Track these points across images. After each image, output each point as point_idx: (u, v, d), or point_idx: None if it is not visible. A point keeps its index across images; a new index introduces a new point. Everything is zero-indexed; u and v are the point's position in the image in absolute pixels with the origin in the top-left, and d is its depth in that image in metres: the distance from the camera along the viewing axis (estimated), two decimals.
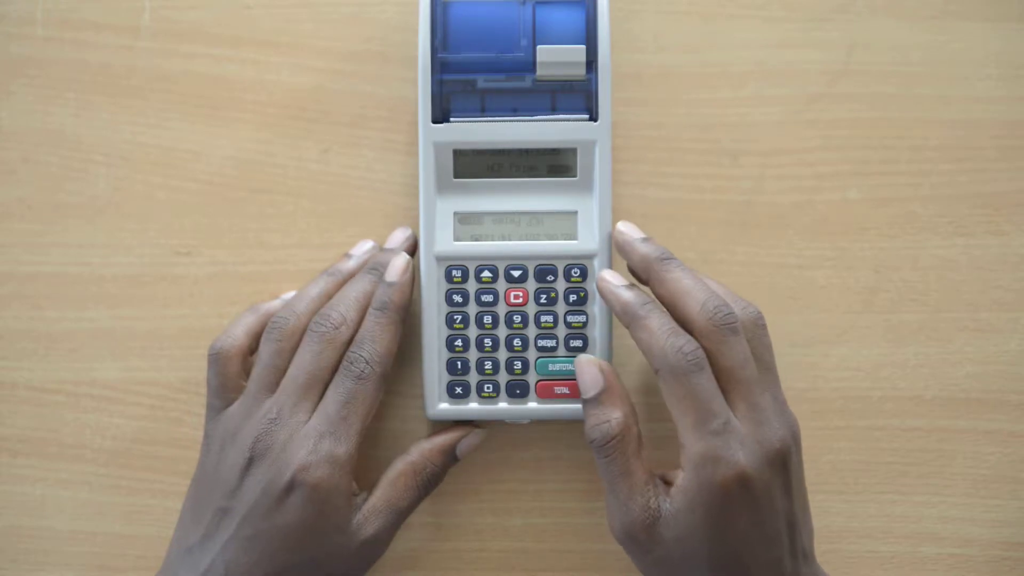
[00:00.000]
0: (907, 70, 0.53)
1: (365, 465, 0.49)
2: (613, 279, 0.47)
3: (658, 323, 0.45)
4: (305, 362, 0.47)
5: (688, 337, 0.45)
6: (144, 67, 0.53)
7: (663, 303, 0.47)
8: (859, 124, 0.53)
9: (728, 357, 0.45)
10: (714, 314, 0.45)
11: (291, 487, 0.45)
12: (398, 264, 0.49)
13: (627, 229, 0.48)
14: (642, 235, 0.48)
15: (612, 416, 0.45)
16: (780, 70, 0.53)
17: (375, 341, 0.48)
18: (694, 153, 0.53)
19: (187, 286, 0.53)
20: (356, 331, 0.48)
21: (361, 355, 0.47)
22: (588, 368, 0.47)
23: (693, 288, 0.46)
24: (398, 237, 0.51)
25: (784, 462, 0.45)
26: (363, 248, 0.52)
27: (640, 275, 0.48)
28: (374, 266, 0.50)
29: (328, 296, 0.50)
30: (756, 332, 0.46)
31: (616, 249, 0.48)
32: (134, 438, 0.53)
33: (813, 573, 0.46)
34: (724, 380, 0.45)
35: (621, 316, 0.46)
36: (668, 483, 0.45)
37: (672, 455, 0.47)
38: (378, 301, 0.48)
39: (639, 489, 0.45)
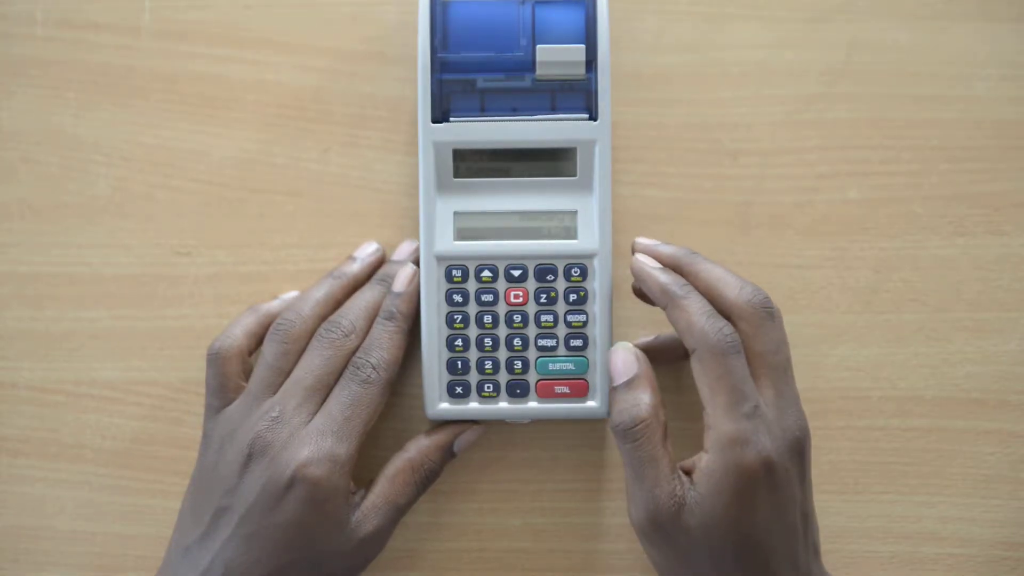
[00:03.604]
0: (907, 70, 0.53)
1: (364, 464, 0.49)
2: (648, 261, 0.48)
3: (698, 304, 0.45)
4: (314, 366, 0.47)
5: (726, 321, 0.45)
6: (144, 67, 0.53)
7: None
8: (859, 124, 0.53)
9: (763, 341, 0.45)
10: (752, 297, 0.45)
11: (291, 484, 0.45)
12: (405, 275, 0.50)
13: (646, 240, 0.49)
14: (659, 242, 0.49)
15: (642, 400, 0.45)
16: (780, 70, 0.53)
17: (383, 348, 0.48)
18: (694, 153, 0.53)
19: (187, 286, 0.53)
20: (363, 341, 0.49)
21: (369, 360, 0.48)
22: (623, 354, 0.47)
23: (726, 275, 0.46)
24: (405, 249, 0.52)
25: (801, 452, 0.45)
26: (367, 251, 0.52)
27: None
28: (383, 277, 0.50)
29: (333, 299, 0.50)
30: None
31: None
32: (134, 438, 0.53)
33: (821, 571, 0.47)
34: (757, 364, 0.45)
35: (659, 296, 0.46)
36: (688, 472, 0.45)
37: (686, 451, 0.47)
38: (386, 311, 0.49)
39: (666, 476, 0.44)
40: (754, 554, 0.44)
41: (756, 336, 0.45)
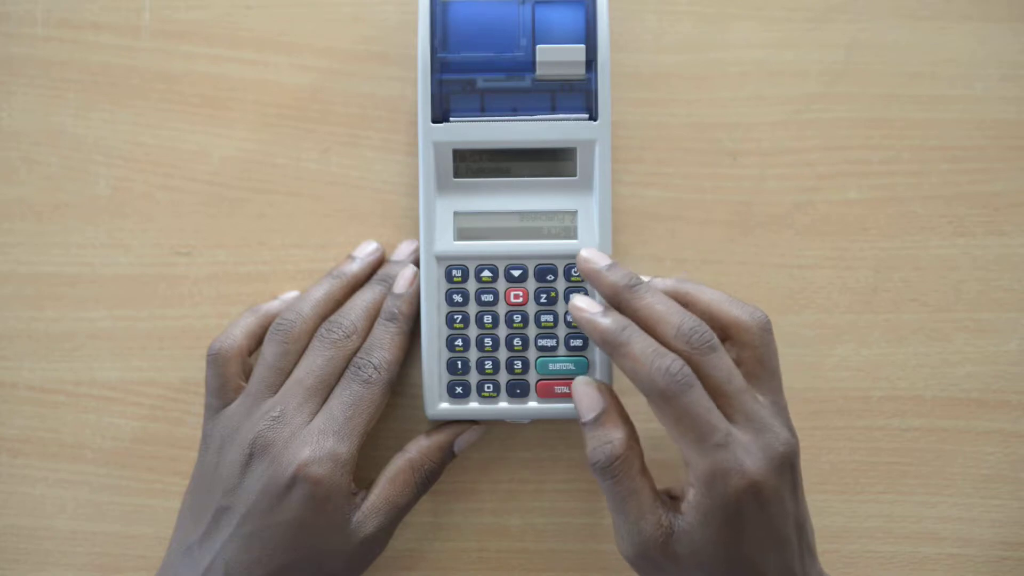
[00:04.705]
0: (907, 70, 0.53)
1: (365, 465, 0.49)
2: (588, 307, 0.46)
3: (640, 347, 0.44)
4: (316, 366, 0.47)
5: (672, 356, 0.43)
6: (144, 67, 0.53)
7: None
8: (859, 124, 0.53)
9: (712, 376, 0.44)
10: (690, 337, 0.44)
11: (292, 483, 0.45)
12: (406, 276, 0.50)
13: (591, 256, 0.47)
14: (607, 262, 0.47)
15: (614, 436, 0.45)
16: (780, 70, 0.53)
17: (384, 348, 0.48)
18: (694, 153, 0.53)
19: (187, 286, 0.53)
20: (364, 342, 0.49)
21: (370, 361, 0.48)
22: (585, 390, 0.46)
23: (666, 313, 0.45)
24: (405, 249, 0.52)
25: (790, 466, 0.45)
26: (366, 250, 0.52)
27: (611, 303, 0.46)
28: (383, 278, 0.50)
29: (333, 299, 0.50)
30: (763, 338, 0.46)
31: (584, 276, 0.47)
32: (134, 438, 0.53)
33: (818, 571, 0.47)
34: (715, 396, 0.44)
35: (601, 345, 0.45)
36: (675, 498, 0.45)
37: (675, 456, 0.47)
38: (387, 312, 0.49)
39: (649, 507, 0.44)
40: (747, 573, 0.44)
41: (702, 373, 0.44)
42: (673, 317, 0.45)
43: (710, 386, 0.44)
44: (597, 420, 0.45)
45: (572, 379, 0.49)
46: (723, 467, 0.43)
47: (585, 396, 0.46)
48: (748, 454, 0.43)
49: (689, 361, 0.44)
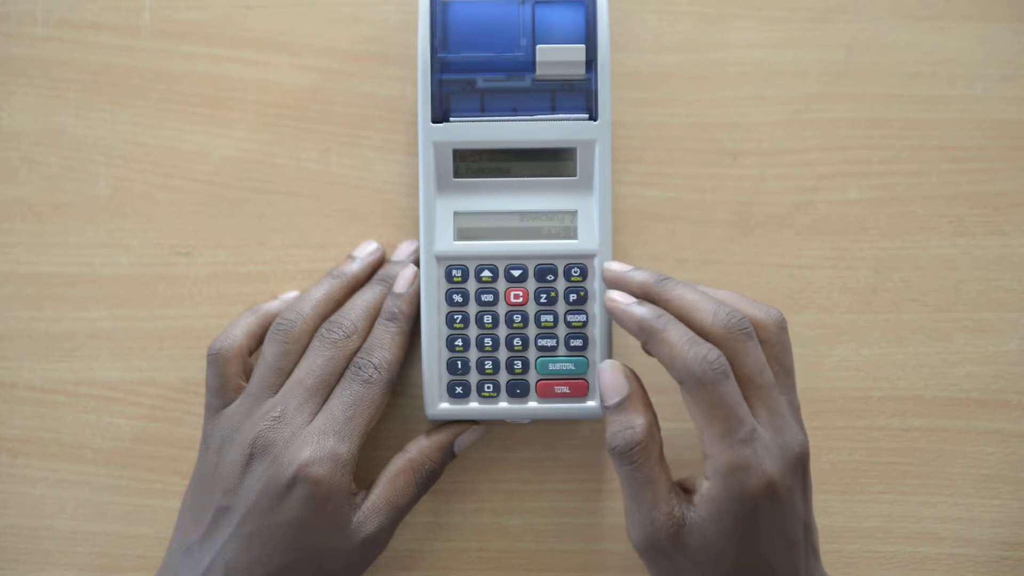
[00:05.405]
0: (907, 70, 0.53)
1: (365, 465, 0.49)
2: (621, 298, 0.46)
3: (677, 334, 0.44)
4: (316, 366, 0.47)
5: (709, 345, 0.44)
6: (144, 67, 0.53)
7: None
8: (859, 124, 0.53)
9: (746, 364, 0.44)
10: (728, 320, 0.44)
11: (293, 483, 0.45)
12: (406, 276, 0.50)
13: (614, 265, 0.48)
14: (631, 267, 0.48)
15: (636, 422, 0.45)
16: (780, 70, 0.53)
17: (384, 348, 0.48)
18: (694, 153, 0.53)
19: (187, 286, 0.53)
20: (364, 342, 0.49)
21: (370, 361, 0.48)
22: (612, 374, 0.46)
23: (699, 300, 0.45)
24: (405, 249, 0.52)
25: (804, 467, 0.45)
26: (366, 250, 0.52)
27: (644, 299, 0.47)
28: (383, 278, 0.50)
29: (333, 299, 0.50)
30: (779, 336, 0.46)
31: (609, 287, 0.48)
32: (134, 438, 0.53)
33: (821, 572, 0.47)
34: (744, 386, 0.44)
35: (637, 333, 0.45)
36: (687, 490, 0.45)
37: (683, 456, 0.47)
38: (387, 311, 0.49)
39: (663, 497, 0.44)
40: (755, 570, 0.44)
41: (736, 360, 0.44)
42: (708, 303, 0.45)
43: (741, 375, 0.44)
44: (620, 405, 0.45)
45: (572, 380, 0.49)
46: (743, 463, 0.43)
47: (611, 380, 0.46)
48: (768, 453, 0.43)
49: (725, 348, 0.44)
